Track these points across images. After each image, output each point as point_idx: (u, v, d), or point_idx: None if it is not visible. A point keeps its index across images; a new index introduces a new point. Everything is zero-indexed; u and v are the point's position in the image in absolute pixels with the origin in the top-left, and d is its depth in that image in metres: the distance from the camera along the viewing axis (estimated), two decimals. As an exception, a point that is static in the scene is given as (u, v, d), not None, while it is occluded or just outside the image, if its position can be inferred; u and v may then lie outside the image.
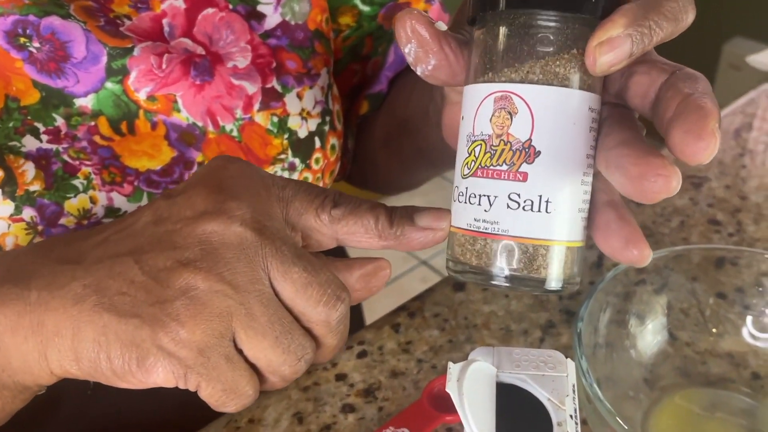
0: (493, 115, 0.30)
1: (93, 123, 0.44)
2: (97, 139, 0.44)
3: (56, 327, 0.33)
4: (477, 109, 0.31)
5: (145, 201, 0.46)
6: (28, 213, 0.42)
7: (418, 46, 0.33)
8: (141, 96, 0.44)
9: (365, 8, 0.57)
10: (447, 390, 0.31)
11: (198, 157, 0.46)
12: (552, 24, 0.30)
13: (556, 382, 0.35)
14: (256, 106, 0.47)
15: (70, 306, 0.32)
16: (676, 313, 0.50)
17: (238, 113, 0.46)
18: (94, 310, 0.32)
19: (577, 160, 0.31)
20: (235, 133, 0.47)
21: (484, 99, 0.31)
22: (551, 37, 0.30)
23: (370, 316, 0.68)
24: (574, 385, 0.35)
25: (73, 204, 0.44)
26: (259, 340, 0.33)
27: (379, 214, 0.36)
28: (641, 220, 0.65)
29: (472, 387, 0.32)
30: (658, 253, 0.48)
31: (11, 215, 0.42)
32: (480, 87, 0.31)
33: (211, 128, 0.46)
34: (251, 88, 0.47)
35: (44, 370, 0.34)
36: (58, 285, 0.33)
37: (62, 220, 0.43)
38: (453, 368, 0.32)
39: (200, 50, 0.46)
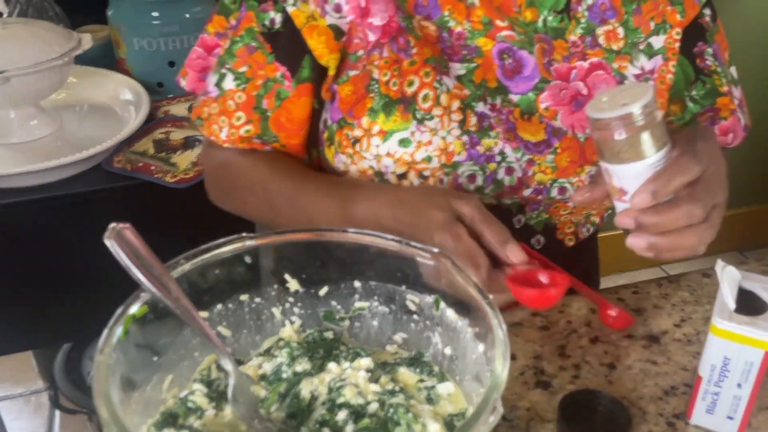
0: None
1: (512, 108, 0.81)
2: (510, 117, 0.82)
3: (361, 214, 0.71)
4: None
5: (521, 153, 0.82)
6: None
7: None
8: (542, 105, 0.82)
9: (692, 105, 0.89)
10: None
11: (555, 143, 0.82)
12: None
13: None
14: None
15: (371, 209, 0.71)
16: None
17: (587, 132, 0.82)
18: (390, 218, 0.69)
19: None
20: (581, 140, 0.82)
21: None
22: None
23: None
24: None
25: (487, 142, 0.80)
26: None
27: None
28: None
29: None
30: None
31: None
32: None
33: (569, 133, 0.82)
34: None
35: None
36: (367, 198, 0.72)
37: (478, 147, 0.80)
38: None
39: (584, 92, 0.82)
